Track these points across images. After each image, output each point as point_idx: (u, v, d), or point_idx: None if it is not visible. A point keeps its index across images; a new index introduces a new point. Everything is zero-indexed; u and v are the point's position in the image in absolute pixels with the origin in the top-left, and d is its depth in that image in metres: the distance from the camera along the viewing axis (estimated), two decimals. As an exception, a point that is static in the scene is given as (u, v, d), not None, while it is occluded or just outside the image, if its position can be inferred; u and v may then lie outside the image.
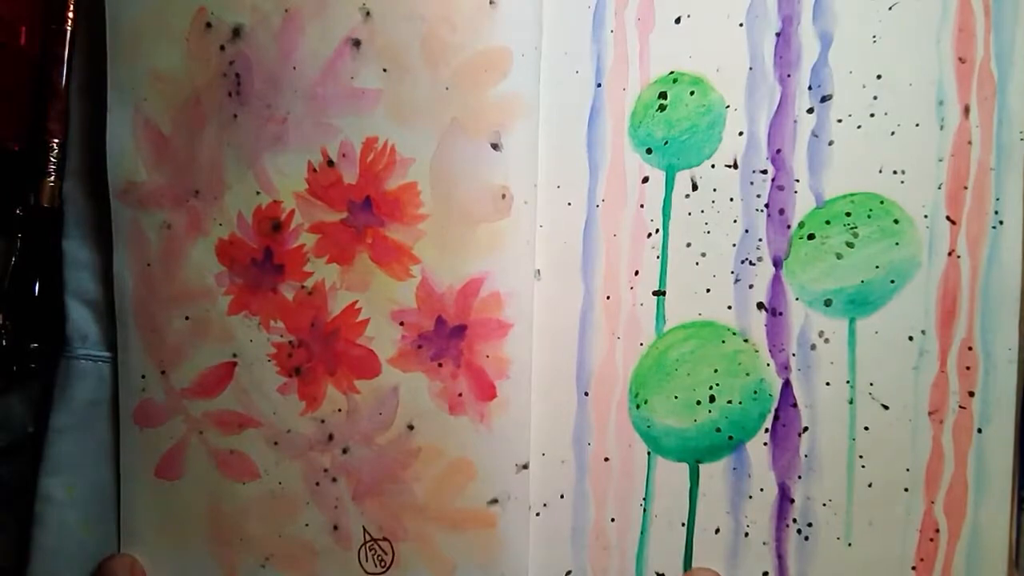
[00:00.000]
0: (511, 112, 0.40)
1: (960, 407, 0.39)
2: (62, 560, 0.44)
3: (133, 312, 0.43)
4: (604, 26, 0.42)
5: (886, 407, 0.40)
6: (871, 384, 0.40)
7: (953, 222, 0.39)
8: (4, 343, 0.44)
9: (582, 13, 0.42)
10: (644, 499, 0.41)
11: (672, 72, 0.41)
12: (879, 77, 0.40)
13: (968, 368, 0.39)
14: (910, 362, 0.40)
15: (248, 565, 0.43)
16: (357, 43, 0.41)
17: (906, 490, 0.40)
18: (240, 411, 0.43)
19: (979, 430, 0.39)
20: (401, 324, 0.41)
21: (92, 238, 0.44)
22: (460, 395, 0.41)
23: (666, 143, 0.41)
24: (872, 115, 0.40)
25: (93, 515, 0.44)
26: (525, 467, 0.41)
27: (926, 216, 0.40)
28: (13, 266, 0.45)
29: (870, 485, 0.40)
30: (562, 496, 0.42)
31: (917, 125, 0.39)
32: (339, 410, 0.42)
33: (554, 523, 0.42)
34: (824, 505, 0.40)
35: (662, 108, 0.41)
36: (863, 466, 0.40)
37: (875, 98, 0.40)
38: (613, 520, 0.42)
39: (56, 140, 0.45)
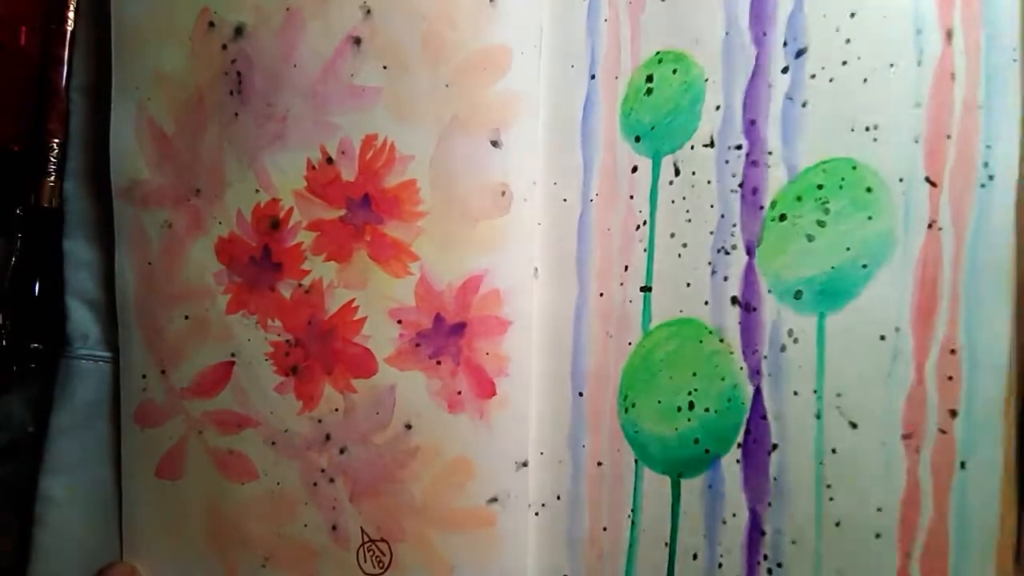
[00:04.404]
0: (511, 109, 0.40)
1: (940, 431, 0.33)
2: (63, 560, 0.44)
3: (134, 311, 0.43)
4: (599, 16, 0.41)
5: (854, 425, 0.35)
6: (839, 395, 0.35)
7: (934, 184, 0.34)
8: (4, 343, 0.44)
9: (579, 8, 0.41)
10: (632, 511, 0.40)
11: (658, 52, 0.40)
12: (852, 16, 0.36)
13: (950, 378, 0.33)
14: (883, 368, 0.34)
15: (248, 565, 0.43)
16: (358, 41, 0.41)
17: (877, 536, 0.34)
18: (238, 411, 0.43)
19: (962, 464, 0.33)
20: (399, 322, 0.41)
21: (93, 238, 0.45)
22: (459, 393, 0.41)
23: (653, 128, 0.40)
24: (845, 63, 0.36)
25: (94, 515, 0.44)
26: (524, 465, 0.41)
27: (901, 179, 0.34)
28: (13, 266, 0.45)
29: (838, 524, 0.35)
30: (559, 497, 0.41)
31: (892, 66, 0.35)
32: (336, 409, 0.42)
33: (552, 523, 0.41)
34: (793, 543, 0.36)
35: (649, 92, 0.40)
36: (831, 498, 0.35)
37: (848, 41, 0.36)
38: (605, 529, 0.40)
39: (56, 140, 0.45)
